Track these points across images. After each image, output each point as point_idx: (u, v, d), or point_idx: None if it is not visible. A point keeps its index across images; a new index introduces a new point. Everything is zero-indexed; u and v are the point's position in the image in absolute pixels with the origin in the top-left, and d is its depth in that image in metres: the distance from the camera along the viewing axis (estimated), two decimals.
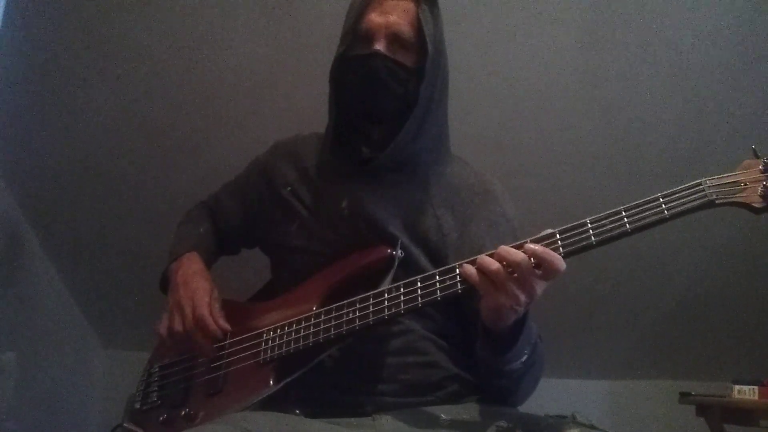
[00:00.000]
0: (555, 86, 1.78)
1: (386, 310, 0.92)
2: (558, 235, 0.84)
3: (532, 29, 1.68)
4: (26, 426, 1.91)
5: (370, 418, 0.94)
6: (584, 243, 0.83)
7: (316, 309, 0.99)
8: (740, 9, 1.63)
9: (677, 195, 0.82)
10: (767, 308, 2.16)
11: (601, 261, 1.99)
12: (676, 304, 2.21)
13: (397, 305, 0.91)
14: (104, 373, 2.31)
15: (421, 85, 1.04)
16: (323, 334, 0.96)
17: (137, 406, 1.11)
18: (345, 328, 0.94)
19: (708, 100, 1.78)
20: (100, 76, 1.73)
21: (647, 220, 0.82)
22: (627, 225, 0.82)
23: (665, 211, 0.81)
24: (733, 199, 0.81)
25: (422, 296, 0.90)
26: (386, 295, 0.93)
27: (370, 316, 0.93)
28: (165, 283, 1.16)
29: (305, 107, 1.69)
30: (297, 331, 0.98)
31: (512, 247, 0.83)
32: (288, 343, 0.98)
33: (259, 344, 1.01)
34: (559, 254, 0.82)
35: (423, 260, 1.03)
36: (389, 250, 1.01)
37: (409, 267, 1.00)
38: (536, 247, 0.82)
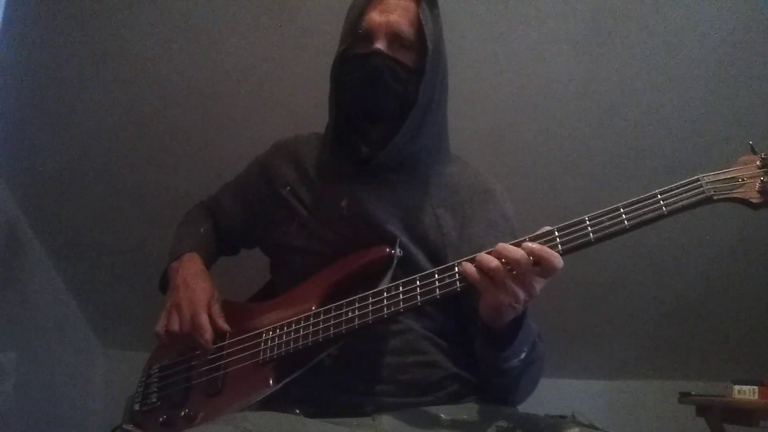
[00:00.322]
0: (554, 86, 1.77)
1: (385, 309, 0.92)
2: (556, 233, 0.84)
3: (532, 29, 1.68)
4: (26, 426, 1.91)
5: (370, 418, 0.94)
6: (583, 240, 0.83)
7: (315, 309, 0.99)
8: (738, 9, 1.63)
9: (675, 191, 0.82)
10: (767, 308, 2.15)
11: (601, 261, 1.99)
12: (677, 304, 2.21)
13: (397, 304, 0.91)
14: (104, 373, 2.31)
15: (421, 85, 1.04)
16: (322, 333, 0.96)
17: (137, 407, 1.11)
18: (344, 327, 0.94)
19: (707, 99, 1.78)
20: (99, 76, 1.73)
21: (645, 217, 0.82)
22: (625, 222, 0.82)
23: (663, 208, 0.81)
24: (731, 195, 0.81)
25: (421, 295, 0.90)
26: (385, 294, 0.93)
27: (370, 315, 0.93)
28: (165, 283, 1.16)
29: (305, 107, 1.69)
30: (296, 331, 0.98)
31: (511, 244, 0.83)
32: (287, 342, 0.98)
33: (258, 344, 1.01)
34: (558, 252, 0.83)
35: (422, 260, 1.03)
36: (388, 249, 1.01)
37: (408, 266, 1.01)
38: (534, 245, 0.82)
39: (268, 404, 0.94)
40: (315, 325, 0.97)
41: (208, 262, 1.20)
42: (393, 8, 1.06)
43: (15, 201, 1.90)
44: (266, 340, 1.01)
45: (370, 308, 0.93)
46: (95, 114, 1.79)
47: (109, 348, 2.34)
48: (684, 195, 0.81)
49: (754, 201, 0.81)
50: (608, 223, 0.83)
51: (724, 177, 0.82)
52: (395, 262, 1.00)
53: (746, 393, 1.86)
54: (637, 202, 0.83)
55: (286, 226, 1.12)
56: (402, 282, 0.93)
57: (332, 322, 0.95)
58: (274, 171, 1.19)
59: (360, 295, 0.95)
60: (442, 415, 0.94)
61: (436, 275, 0.90)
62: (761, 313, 2.17)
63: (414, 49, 1.06)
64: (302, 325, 0.98)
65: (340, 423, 0.92)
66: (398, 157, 1.07)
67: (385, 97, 1.05)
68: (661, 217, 0.81)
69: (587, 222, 0.84)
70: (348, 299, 0.96)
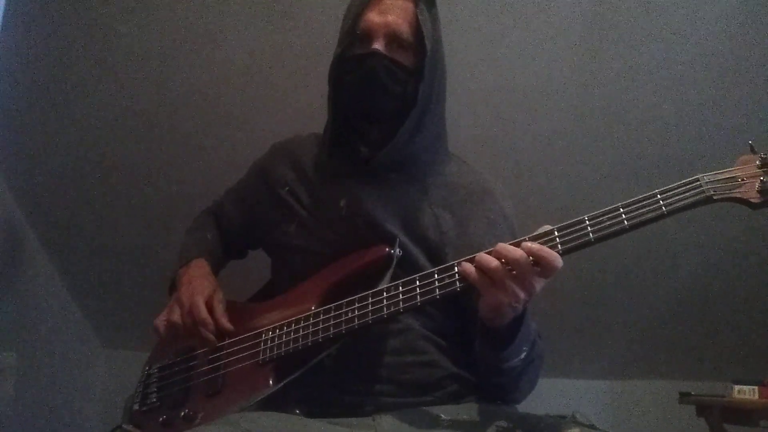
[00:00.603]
0: (553, 86, 1.78)
1: (385, 308, 0.92)
2: (556, 233, 0.84)
3: (531, 29, 1.68)
4: (26, 426, 1.91)
5: (370, 418, 0.94)
6: (583, 240, 0.83)
7: (315, 309, 0.99)
8: (737, 9, 1.63)
9: (675, 191, 0.82)
10: (767, 308, 2.15)
11: (601, 261, 1.99)
12: (677, 304, 2.21)
13: (396, 304, 0.91)
14: (104, 373, 2.31)
15: (420, 85, 1.04)
16: (322, 333, 0.95)
17: (136, 407, 1.11)
18: (344, 327, 0.94)
19: (707, 99, 1.78)
20: (100, 76, 1.73)
21: (645, 217, 0.81)
22: (625, 222, 0.82)
23: (663, 208, 0.81)
24: (730, 195, 0.81)
25: (421, 294, 0.90)
26: (385, 294, 0.93)
27: (369, 315, 0.93)
28: (173, 290, 1.17)
29: (305, 107, 1.69)
30: (296, 331, 0.98)
31: (510, 244, 0.83)
32: (287, 342, 0.98)
33: (258, 344, 1.01)
34: (558, 251, 0.82)
35: (422, 259, 1.03)
36: (388, 249, 1.01)
37: (407, 266, 1.01)
38: (533, 245, 0.82)
39: (268, 404, 0.94)
40: (315, 325, 0.97)
41: (216, 267, 1.22)
42: (391, 9, 1.05)
43: (15, 201, 1.90)
44: (266, 340, 1.01)
45: (370, 308, 0.93)
46: (95, 114, 1.79)
47: (109, 348, 2.34)
48: (684, 195, 0.81)
49: (753, 201, 0.81)
50: (608, 223, 0.83)
51: (723, 177, 0.82)
52: (395, 261, 1.00)
53: (746, 393, 1.86)
54: (637, 202, 0.83)
55: (286, 226, 1.13)
56: (402, 282, 0.93)
57: (332, 322, 0.95)
58: (273, 172, 1.19)
59: (360, 295, 0.95)
60: (442, 416, 0.94)
61: (436, 275, 0.90)
62: (761, 313, 2.17)
63: (412, 49, 1.06)
64: (302, 325, 0.98)
65: (340, 423, 0.92)
66: (397, 157, 1.07)
67: (383, 97, 1.05)
68: (661, 217, 0.81)
69: (587, 222, 0.84)
70: (348, 299, 0.96)
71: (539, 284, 0.82)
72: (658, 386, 2.37)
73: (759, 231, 1.94)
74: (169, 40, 1.68)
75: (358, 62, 1.05)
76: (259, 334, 1.02)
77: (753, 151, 0.83)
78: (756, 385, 1.85)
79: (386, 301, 0.92)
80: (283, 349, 0.98)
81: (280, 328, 1.00)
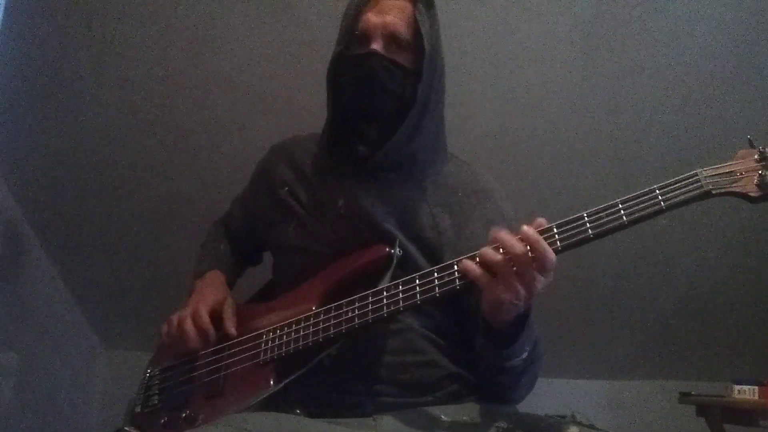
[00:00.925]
0: (553, 86, 1.78)
1: (385, 307, 0.92)
2: (555, 229, 0.84)
3: (531, 29, 1.68)
4: (26, 426, 1.91)
5: (370, 418, 0.94)
6: (581, 236, 0.83)
7: (315, 309, 0.99)
8: (738, 7, 1.63)
9: (673, 186, 0.81)
10: (767, 308, 2.15)
11: (601, 261, 1.99)
12: (677, 304, 2.21)
13: (396, 303, 0.91)
14: (104, 373, 2.31)
15: (418, 85, 1.04)
16: (323, 333, 0.95)
17: (138, 409, 1.11)
18: (344, 326, 0.94)
19: (705, 96, 1.78)
20: (100, 76, 1.73)
21: (644, 212, 0.81)
22: (624, 217, 0.82)
23: (662, 203, 0.81)
24: (729, 189, 0.81)
25: (421, 293, 0.90)
26: (385, 293, 0.93)
27: (370, 314, 0.93)
28: None
29: (305, 107, 1.69)
30: (296, 331, 0.98)
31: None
32: (288, 343, 0.98)
33: (258, 345, 1.01)
34: (556, 248, 0.82)
35: (420, 259, 1.03)
36: (388, 249, 1.01)
37: (406, 266, 1.00)
38: (531, 232, 0.82)
39: (269, 405, 0.94)
40: (315, 325, 0.97)
41: (231, 277, 1.23)
42: (389, 9, 1.05)
43: (15, 201, 1.90)
44: (266, 341, 1.01)
45: (370, 307, 0.93)
46: (95, 114, 1.79)
47: (110, 348, 2.34)
48: (682, 189, 0.81)
49: (752, 194, 0.81)
50: (606, 219, 0.82)
51: (722, 171, 0.82)
52: (395, 261, 1.00)
53: (746, 393, 1.87)
54: (635, 197, 0.82)
55: (285, 226, 1.13)
56: (401, 281, 0.93)
57: (332, 321, 0.95)
58: (272, 173, 1.19)
59: (359, 295, 0.95)
60: (443, 416, 0.94)
61: (436, 273, 0.90)
62: (761, 313, 2.17)
63: (411, 49, 1.06)
64: (302, 325, 0.98)
65: (340, 423, 0.92)
66: (396, 157, 1.07)
67: (381, 97, 1.05)
68: (660, 212, 0.81)
69: (586, 218, 0.83)
70: (347, 299, 0.96)
71: (540, 283, 0.82)
72: (658, 386, 2.37)
73: (758, 231, 1.94)
74: (168, 41, 1.68)
75: (357, 62, 1.05)
76: (260, 335, 1.02)
77: (751, 145, 0.83)
78: (756, 385, 1.85)
79: (386, 300, 0.92)
80: (283, 350, 0.98)
81: (281, 328, 1.00)
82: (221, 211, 1.36)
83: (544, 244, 0.81)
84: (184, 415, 1.02)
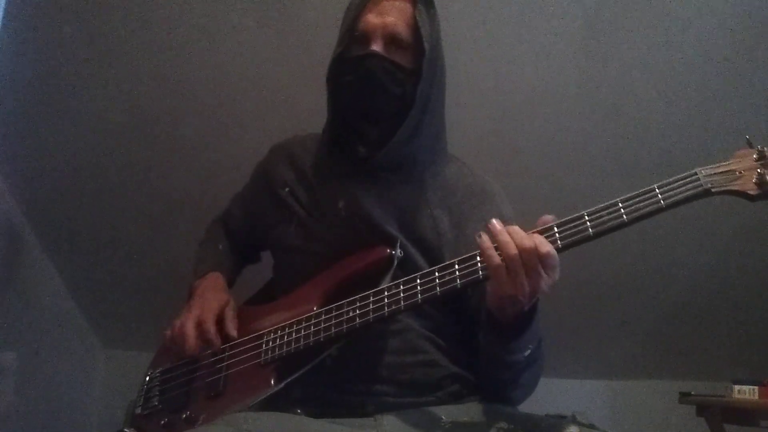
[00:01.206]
0: (553, 85, 1.78)
1: (386, 307, 0.92)
2: (555, 228, 0.85)
3: (531, 30, 1.68)
4: (26, 426, 1.91)
5: (371, 418, 0.94)
6: (582, 235, 0.83)
7: (316, 309, 0.99)
8: (737, 7, 1.63)
9: (673, 185, 0.82)
10: (767, 308, 2.16)
11: (601, 261, 1.99)
12: (677, 304, 2.21)
13: (397, 302, 0.92)
14: (104, 373, 2.31)
15: (418, 86, 1.04)
16: (324, 333, 0.96)
17: (138, 410, 1.11)
18: (345, 326, 0.94)
19: (704, 96, 1.78)
20: (100, 76, 1.73)
21: (644, 211, 0.82)
22: (624, 216, 0.82)
23: (661, 201, 0.81)
24: (728, 188, 0.82)
25: (422, 292, 0.90)
26: (386, 292, 0.93)
27: (371, 313, 0.93)
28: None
29: (304, 108, 1.69)
30: (297, 332, 0.98)
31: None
32: (289, 343, 0.98)
33: (259, 345, 1.02)
34: (557, 247, 0.83)
35: (420, 260, 1.03)
36: (389, 250, 1.01)
37: (406, 267, 1.01)
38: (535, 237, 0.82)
39: (270, 405, 0.94)
40: (316, 325, 0.97)
41: (230, 278, 1.23)
42: (389, 10, 1.05)
43: (15, 201, 1.90)
44: (267, 341, 1.01)
45: (371, 307, 0.93)
46: (95, 114, 1.79)
47: (110, 348, 2.34)
48: (682, 188, 0.82)
49: (751, 193, 0.81)
50: (607, 218, 0.83)
51: (721, 170, 0.83)
52: (396, 263, 1.00)
53: (746, 393, 1.86)
54: (636, 196, 0.83)
55: (286, 226, 1.13)
56: (402, 281, 0.93)
57: (333, 321, 0.95)
58: (273, 173, 1.19)
59: (361, 295, 0.95)
60: (443, 416, 0.94)
61: (437, 273, 0.90)
62: (761, 313, 2.17)
63: (411, 50, 1.06)
64: (303, 325, 0.98)
65: (341, 423, 0.92)
66: (396, 158, 1.07)
67: (382, 98, 1.05)
68: (660, 210, 0.82)
69: (586, 217, 0.84)
70: (348, 299, 0.96)
71: (545, 282, 0.82)
72: (658, 386, 2.37)
73: (758, 231, 1.95)
74: (168, 41, 1.68)
75: (357, 63, 1.05)
76: (261, 336, 1.02)
77: (750, 145, 0.84)
78: (756, 385, 1.85)
79: (387, 300, 0.92)
80: (284, 350, 0.98)
81: (282, 329, 1.01)
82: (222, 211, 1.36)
83: (542, 239, 0.82)
84: (184, 415, 1.02)
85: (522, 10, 1.65)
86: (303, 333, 0.98)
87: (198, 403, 1.03)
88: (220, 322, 1.07)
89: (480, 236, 0.84)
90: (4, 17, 1.33)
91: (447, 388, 1.00)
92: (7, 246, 1.87)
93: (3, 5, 1.32)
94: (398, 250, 1.01)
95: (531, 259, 0.81)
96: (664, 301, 2.21)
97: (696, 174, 0.82)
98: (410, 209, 1.07)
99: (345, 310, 0.95)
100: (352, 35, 1.06)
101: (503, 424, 0.91)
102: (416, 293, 0.90)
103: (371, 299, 0.94)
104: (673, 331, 2.28)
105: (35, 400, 1.94)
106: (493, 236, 0.83)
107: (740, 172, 0.82)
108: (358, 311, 0.94)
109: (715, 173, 0.82)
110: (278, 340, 1.00)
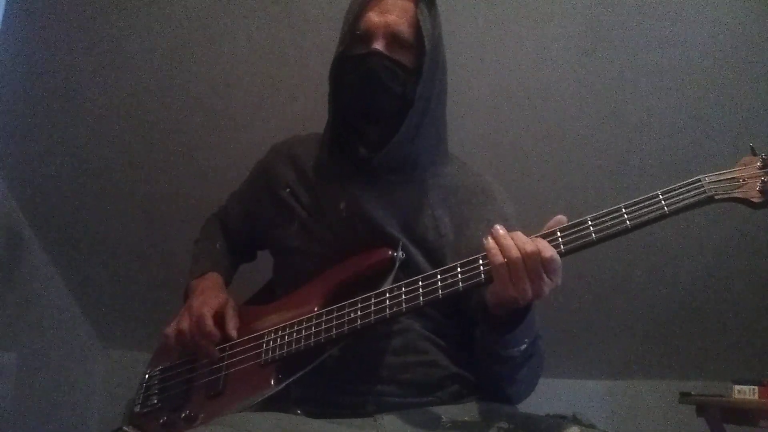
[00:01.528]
0: (554, 86, 1.77)
1: (387, 309, 0.92)
2: (559, 233, 0.85)
3: (532, 30, 1.68)
4: (26, 426, 1.91)
5: (371, 418, 0.94)
6: (585, 240, 0.84)
7: (317, 310, 0.99)
8: (739, 9, 1.63)
9: (677, 191, 0.83)
10: (767, 308, 2.15)
11: (601, 261, 1.99)
12: (677, 304, 2.21)
13: (399, 304, 0.92)
14: (104, 373, 2.31)
15: (419, 85, 1.04)
16: (324, 334, 0.96)
17: (137, 409, 1.11)
18: (346, 327, 0.94)
19: (707, 101, 1.78)
20: (100, 76, 1.73)
21: (647, 217, 0.82)
22: (627, 222, 0.83)
23: (665, 208, 0.82)
24: (732, 195, 0.82)
25: (423, 295, 0.90)
26: (387, 294, 0.93)
27: (372, 315, 0.93)
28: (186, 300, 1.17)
29: (305, 107, 1.69)
30: (298, 332, 0.98)
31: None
32: (289, 343, 0.98)
33: (260, 345, 1.02)
34: (560, 251, 0.83)
35: (421, 261, 1.03)
36: (391, 252, 1.01)
37: (407, 267, 1.01)
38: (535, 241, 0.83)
39: (269, 404, 0.94)
40: (317, 326, 0.97)
41: (228, 277, 1.23)
42: (391, 9, 1.05)
43: (15, 201, 1.90)
44: (268, 341, 1.01)
45: (372, 308, 0.93)
46: (95, 114, 1.79)
47: (110, 348, 2.34)
48: (686, 195, 0.82)
49: (754, 200, 0.82)
50: (610, 223, 0.83)
51: (725, 177, 0.83)
52: (398, 264, 1.00)
53: (746, 393, 1.86)
54: (639, 202, 0.83)
55: (286, 227, 1.13)
56: (404, 283, 0.93)
57: (334, 322, 0.95)
58: (274, 173, 1.19)
59: (362, 296, 0.95)
60: (444, 416, 0.94)
61: (438, 275, 0.91)
62: (761, 313, 2.17)
63: (412, 49, 1.06)
64: (304, 326, 0.98)
65: (341, 423, 0.92)
66: (396, 158, 1.07)
67: (383, 97, 1.05)
68: (663, 216, 0.82)
69: (589, 222, 0.84)
70: (350, 300, 0.96)
71: (546, 286, 0.83)
72: (658, 386, 2.36)
73: (758, 232, 1.94)
74: (168, 41, 1.68)
75: (359, 62, 1.05)
76: (261, 336, 1.02)
77: (754, 152, 0.85)
78: (756, 385, 1.84)
79: (389, 301, 0.92)
80: (285, 350, 0.98)
81: (282, 329, 1.01)
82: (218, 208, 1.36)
83: (545, 243, 0.82)
84: (183, 415, 1.02)
85: (522, 10, 1.65)
86: (304, 333, 0.98)
87: (197, 403, 1.03)
88: (219, 320, 1.07)
89: (486, 239, 0.85)
90: (4, 17, 1.33)
91: (447, 389, 1.00)
92: (7, 246, 1.87)
93: (3, 5, 1.32)
94: (400, 252, 1.01)
95: (534, 264, 0.81)
96: (664, 301, 2.21)
97: (700, 181, 0.83)
98: (411, 210, 1.07)
99: (346, 311, 0.95)
100: (354, 34, 1.06)
101: (503, 424, 0.92)
102: (418, 295, 0.91)
103: (372, 300, 0.94)
104: (673, 331, 2.28)
105: (35, 400, 1.94)
106: (496, 240, 0.84)
107: (744, 180, 0.83)
108: (359, 312, 0.94)
109: (718, 180, 0.83)
110: (279, 340, 1.00)
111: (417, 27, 1.05)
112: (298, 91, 1.75)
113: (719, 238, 2.01)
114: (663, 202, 0.82)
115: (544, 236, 0.85)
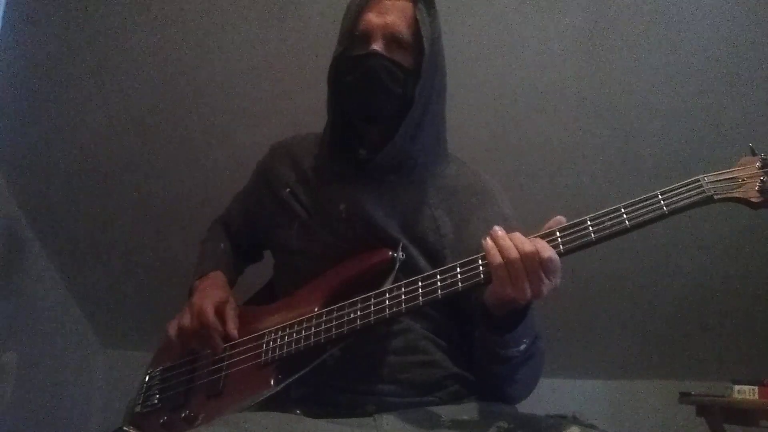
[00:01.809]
0: (554, 86, 1.78)
1: (387, 309, 0.92)
2: (558, 233, 0.85)
3: (531, 30, 1.68)
4: (26, 426, 1.91)
5: (371, 418, 0.94)
6: (584, 240, 0.84)
7: (317, 310, 0.99)
8: (739, 9, 1.63)
9: (676, 191, 0.82)
10: (767, 308, 2.16)
11: (601, 261, 1.99)
12: (676, 304, 2.21)
13: (398, 304, 0.92)
14: (104, 373, 2.31)
15: (418, 86, 1.04)
16: (324, 334, 0.96)
17: (137, 409, 1.11)
18: (346, 327, 0.94)
19: (708, 100, 1.78)
20: (100, 76, 1.73)
21: (646, 217, 0.82)
22: (626, 222, 0.82)
23: (664, 207, 0.82)
24: (731, 195, 0.82)
25: (423, 295, 0.90)
26: (387, 294, 0.93)
27: (371, 315, 0.93)
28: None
29: (304, 108, 1.69)
30: (298, 332, 0.98)
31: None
32: (289, 344, 0.98)
33: (260, 345, 1.01)
34: (559, 251, 0.83)
35: (421, 261, 1.03)
36: (391, 253, 1.01)
37: (407, 267, 1.01)
38: (539, 242, 0.83)
39: (269, 404, 0.94)
40: (317, 326, 0.97)
41: (231, 277, 1.23)
42: (390, 9, 1.05)
43: (15, 201, 1.90)
44: (268, 342, 1.01)
45: (372, 309, 0.93)
46: (95, 114, 1.80)
47: (110, 348, 2.34)
48: (685, 195, 0.82)
49: (754, 200, 0.82)
50: (609, 223, 0.83)
51: (724, 177, 0.83)
52: (398, 264, 1.00)
53: (746, 393, 1.86)
54: (638, 202, 0.83)
55: (287, 228, 1.13)
56: (404, 283, 0.93)
57: (334, 323, 0.95)
58: (274, 173, 1.19)
59: (362, 296, 0.95)
60: (443, 416, 0.94)
61: (438, 276, 0.91)
62: (761, 313, 2.17)
63: (411, 50, 1.06)
64: (304, 326, 0.98)
65: (341, 423, 0.92)
66: (396, 159, 1.07)
67: (382, 98, 1.05)
68: (662, 216, 0.82)
69: (588, 222, 0.84)
70: (350, 301, 0.96)
71: (545, 287, 0.83)
72: (658, 386, 2.37)
73: (758, 232, 1.95)
74: (169, 41, 1.68)
75: (357, 63, 1.05)
76: (261, 336, 1.02)
77: (753, 152, 0.84)
78: (756, 385, 1.85)
79: (388, 302, 0.92)
80: (285, 350, 0.98)
81: (283, 329, 1.01)
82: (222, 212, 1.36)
83: (543, 243, 0.82)
84: (183, 415, 1.02)
85: (522, 11, 1.65)
86: (304, 334, 0.97)
87: (197, 403, 1.03)
88: (219, 319, 1.07)
89: (485, 240, 0.85)
90: (4, 17, 1.33)
91: (447, 388, 1.00)
92: (7, 246, 1.87)
93: (3, 5, 1.32)
94: (400, 253, 1.01)
95: (533, 264, 0.81)
96: (663, 301, 2.21)
97: (699, 181, 0.83)
98: (411, 210, 1.07)
99: (346, 311, 0.95)
100: (353, 35, 1.06)
101: (503, 424, 0.91)
102: (417, 296, 0.91)
103: (372, 301, 0.94)
104: (673, 331, 2.28)
105: (35, 399, 1.95)
106: (494, 241, 0.84)
107: (743, 180, 0.82)
108: (359, 312, 0.94)
109: (718, 180, 0.83)
110: (279, 340, 1.00)
111: (416, 27, 1.05)
112: (297, 91, 1.75)
113: (719, 239, 2.01)
114: (662, 202, 0.82)
115: (543, 236, 0.85)
